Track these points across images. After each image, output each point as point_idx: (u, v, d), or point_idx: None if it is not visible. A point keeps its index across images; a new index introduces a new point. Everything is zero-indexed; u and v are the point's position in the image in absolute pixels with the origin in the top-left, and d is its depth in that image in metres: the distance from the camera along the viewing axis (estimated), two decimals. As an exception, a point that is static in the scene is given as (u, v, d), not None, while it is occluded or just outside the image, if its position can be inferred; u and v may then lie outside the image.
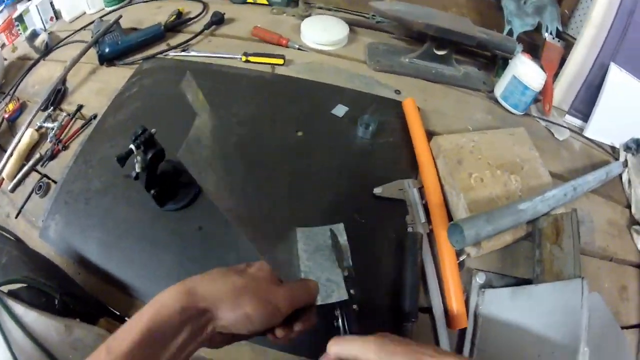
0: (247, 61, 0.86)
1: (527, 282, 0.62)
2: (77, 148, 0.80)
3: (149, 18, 0.98)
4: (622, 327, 0.65)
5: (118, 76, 0.86)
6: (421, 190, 0.68)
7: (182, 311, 0.35)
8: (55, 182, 0.78)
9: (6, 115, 0.92)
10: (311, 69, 0.85)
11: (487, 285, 0.62)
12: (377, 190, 0.66)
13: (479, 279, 0.62)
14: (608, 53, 0.85)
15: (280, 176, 0.69)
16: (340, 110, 0.76)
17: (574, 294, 0.53)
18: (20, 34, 1.11)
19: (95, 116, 0.83)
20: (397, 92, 0.80)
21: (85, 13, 1.07)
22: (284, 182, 0.69)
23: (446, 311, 0.59)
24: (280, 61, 0.84)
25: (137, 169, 0.59)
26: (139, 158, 0.58)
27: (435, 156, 0.71)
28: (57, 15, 1.08)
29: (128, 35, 0.90)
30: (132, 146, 0.57)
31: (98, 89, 0.87)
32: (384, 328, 0.41)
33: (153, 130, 0.58)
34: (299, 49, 0.90)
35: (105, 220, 0.68)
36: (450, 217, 0.66)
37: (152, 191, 0.64)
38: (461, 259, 0.63)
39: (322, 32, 0.90)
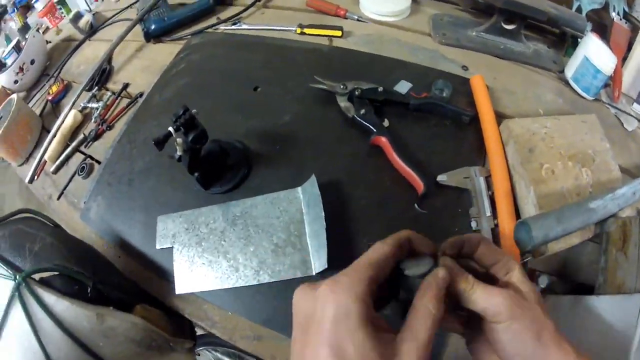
0: (302, 33, 0.74)
1: (590, 288, 0.52)
2: (122, 127, 0.71)
3: (197, -8, 0.85)
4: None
5: (165, 53, 0.76)
6: (488, 179, 0.57)
7: None
8: (99, 162, 0.71)
9: (50, 97, 0.83)
10: (371, 42, 0.72)
11: (549, 289, 0.55)
12: (442, 178, 0.55)
13: (542, 282, 0.54)
14: (677, 39, 0.72)
15: (337, 157, 0.59)
16: (403, 86, 0.64)
17: (631, 311, 0.45)
18: (64, 16, 1.02)
19: (141, 94, 0.74)
20: (465, 68, 0.67)
21: (131, -10, 0.96)
22: (341, 164, 0.58)
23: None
24: (338, 33, 0.72)
25: (179, 152, 0.51)
26: (179, 140, 0.50)
27: (505, 142, 0.59)
28: (101, -5, 0.97)
29: (175, 10, 0.79)
30: (170, 128, 0.49)
31: (144, 67, 0.77)
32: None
33: (194, 111, 0.50)
34: (358, 20, 0.78)
35: (148, 203, 0.61)
36: (517, 211, 0.55)
37: (196, 174, 0.56)
38: (525, 260, 0.53)
39: (382, 2, 0.77)
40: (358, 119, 0.59)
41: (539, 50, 0.72)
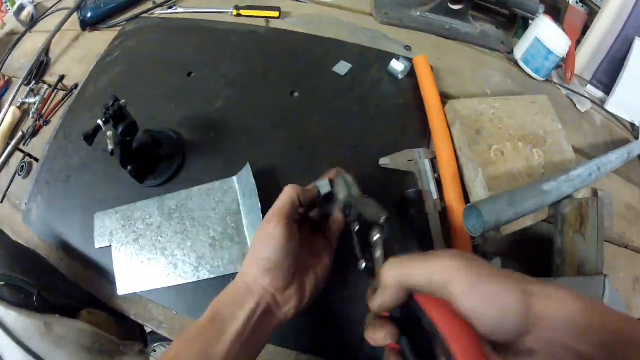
0: (238, 15, 0.68)
1: (545, 268, 0.51)
2: (58, 122, 0.64)
3: (133, -24, 0.79)
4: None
5: (101, 41, 0.70)
6: (433, 161, 0.53)
7: (233, 290, 0.37)
8: (37, 160, 0.63)
9: (-9, 95, 0.75)
10: (310, 22, 0.67)
11: None
12: (384, 161, 0.51)
13: (495, 265, 0.51)
14: (634, 26, 0.72)
15: (273, 142, 0.54)
16: (342, 67, 0.59)
17: (595, 292, 0.46)
18: (9, 10, 0.93)
19: (76, 86, 0.68)
20: (408, 48, 0.63)
21: (70, -22, 0.88)
22: (277, 150, 0.54)
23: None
24: (276, 14, 0.67)
25: (110, 145, 0.47)
26: (109, 133, 0.46)
27: (451, 123, 0.56)
28: (42, -16, 0.89)
29: (110, -4, 0.72)
30: (99, 121, 0.45)
31: (81, 57, 0.71)
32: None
33: (122, 102, 0.45)
34: (297, 0, 0.72)
35: (86, 200, 0.56)
36: (465, 194, 0.52)
37: (129, 168, 0.51)
38: (476, 243, 0.51)
39: None
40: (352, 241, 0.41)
41: (487, 31, 0.68)
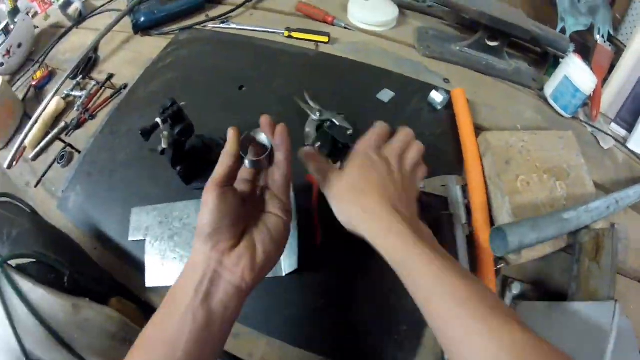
0: (289, 37, 0.76)
1: (562, 296, 0.55)
2: (105, 118, 0.72)
3: (188, -11, 0.86)
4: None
5: (152, 46, 0.77)
6: (464, 188, 0.59)
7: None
8: (79, 152, 0.71)
9: (34, 83, 0.83)
10: (357, 50, 0.74)
11: (522, 296, 0.56)
12: (420, 184, 0.56)
13: (515, 289, 0.55)
14: (658, 64, 0.76)
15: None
16: (385, 95, 0.66)
17: (606, 317, 0.48)
18: (54, 2, 1.01)
19: (125, 86, 0.74)
20: (446, 80, 0.69)
21: (122, -19, 0.96)
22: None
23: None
24: (325, 39, 0.74)
25: (164, 144, 0.52)
26: (165, 133, 0.51)
27: (483, 153, 0.62)
28: (92, -17, 0.97)
29: (165, 4, 0.79)
30: (158, 120, 0.49)
31: (131, 59, 0.77)
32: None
33: (182, 104, 0.51)
34: (345, 27, 0.80)
35: (128, 195, 0.62)
36: (491, 220, 0.57)
37: (178, 168, 0.56)
38: (499, 266, 0.55)
39: (370, 12, 0.79)
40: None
41: (520, 68, 0.75)
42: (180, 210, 0.57)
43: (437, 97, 0.64)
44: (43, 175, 0.69)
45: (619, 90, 0.78)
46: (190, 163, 0.57)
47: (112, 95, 0.73)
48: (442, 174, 0.59)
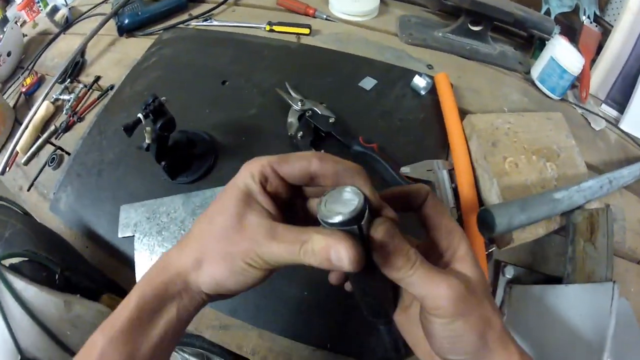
0: (271, 30, 0.78)
1: (557, 279, 0.55)
2: (93, 119, 0.74)
3: (171, -11, 0.89)
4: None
5: (137, 47, 0.80)
6: (451, 172, 0.60)
7: (163, 286, 0.29)
8: (68, 154, 0.73)
9: (23, 89, 0.86)
10: (339, 40, 0.77)
11: (516, 280, 0.57)
12: (405, 170, 0.58)
13: (508, 273, 0.56)
14: (647, 43, 0.77)
15: (301, 149, 0.61)
16: (368, 82, 0.68)
17: (604, 298, 0.48)
18: (41, 10, 1.05)
19: (112, 87, 0.77)
20: (430, 66, 0.71)
21: (106, -15, 1.00)
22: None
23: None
24: (307, 31, 0.77)
25: (147, 139, 0.53)
26: (148, 128, 0.53)
27: (468, 136, 0.63)
28: (77, -12, 1.01)
29: (148, 5, 0.83)
30: (140, 115, 0.52)
31: (117, 60, 0.80)
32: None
33: (163, 99, 0.53)
34: (326, 19, 0.82)
35: (117, 193, 0.64)
36: (481, 204, 0.59)
37: (163, 162, 0.58)
38: (490, 250, 0.56)
39: (351, 2, 0.82)
40: (293, 139, 0.61)
41: (506, 52, 0.76)
42: (167, 205, 0.59)
43: (420, 82, 0.66)
44: (35, 179, 0.71)
45: (608, 70, 0.79)
46: (175, 157, 0.59)
47: (99, 97, 0.76)
48: (428, 159, 0.60)
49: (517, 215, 0.51)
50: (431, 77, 0.67)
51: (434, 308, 0.26)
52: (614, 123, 0.78)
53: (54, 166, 0.71)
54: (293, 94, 0.64)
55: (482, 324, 0.26)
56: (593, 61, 0.80)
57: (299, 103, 0.62)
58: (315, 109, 0.62)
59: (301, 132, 0.60)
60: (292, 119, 0.62)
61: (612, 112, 0.79)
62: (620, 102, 0.78)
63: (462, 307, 0.25)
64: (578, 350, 0.46)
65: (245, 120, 0.65)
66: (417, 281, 0.25)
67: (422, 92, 0.67)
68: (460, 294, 0.25)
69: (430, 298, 0.26)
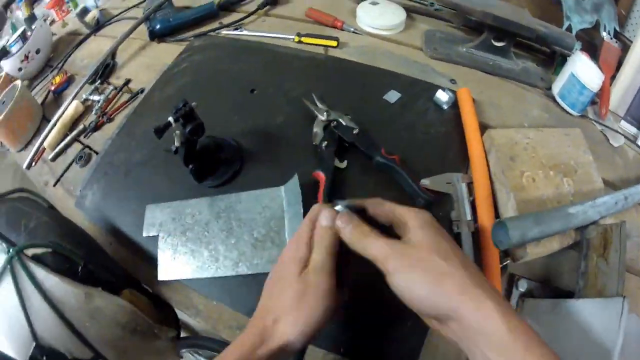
0: (300, 42, 0.82)
1: (569, 294, 0.56)
2: (122, 121, 0.78)
3: (201, -1, 0.94)
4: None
5: (168, 52, 0.84)
6: (470, 186, 0.63)
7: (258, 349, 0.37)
8: (97, 153, 0.77)
9: (52, 88, 0.91)
10: (365, 53, 0.80)
11: (528, 294, 0.58)
12: (425, 182, 0.61)
13: (521, 287, 0.58)
14: (664, 61, 0.77)
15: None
16: (392, 96, 0.71)
17: (614, 313, 0.49)
18: (71, 10, 1.10)
19: (142, 90, 0.81)
20: (453, 81, 0.74)
21: (138, -11, 1.05)
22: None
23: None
24: (334, 43, 0.80)
25: (176, 143, 0.57)
26: (177, 132, 0.56)
27: (488, 151, 0.65)
28: (110, -9, 1.06)
29: (180, 12, 0.87)
30: (170, 118, 0.55)
31: (147, 64, 0.85)
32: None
33: (194, 104, 0.56)
34: (353, 32, 0.85)
35: (143, 193, 0.67)
36: (497, 217, 0.61)
37: (191, 166, 0.62)
38: (504, 263, 0.58)
39: (378, 16, 0.85)
40: (318, 149, 0.63)
41: (528, 68, 0.79)
42: (192, 207, 0.62)
43: (442, 96, 0.69)
44: (62, 175, 0.75)
45: (627, 87, 0.80)
46: (202, 162, 0.62)
47: (129, 100, 0.80)
48: (448, 172, 0.62)
49: (531, 228, 0.52)
50: (454, 92, 0.69)
51: (382, 264, 0.36)
52: (633, 140, 0.79)
53: (81, 164, 0.74)
54: (319, 104, 0.67)
55: (430, 276, 0.34)
56: (613, 77, 0.81)
57: (325, 114, 0.65)
58: (340, 120, 0.65)
59: (326, 142, 0.63)
60: (317, 128, 0.65)
61: (631, 129, 0.80)
62: (640, 119, 0.80)
63: (395, 264, 0.35)
64: None
65: (271, 128, 0.68)
66: (366, 244, 0.37)
67: (445, 107, 0.69)
68: (394, 249, 0.36)
69: (375, 256, 0.36)
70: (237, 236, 0.59)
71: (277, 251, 0.57)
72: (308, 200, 0.56)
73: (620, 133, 0.78)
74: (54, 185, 0.75)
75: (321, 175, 0.60)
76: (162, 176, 0.67)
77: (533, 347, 0.31)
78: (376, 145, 0.63)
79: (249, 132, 0.68)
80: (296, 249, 0.40)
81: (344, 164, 0.64)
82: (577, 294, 0.56)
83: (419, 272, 0.34)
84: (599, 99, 0.78)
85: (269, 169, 0.64)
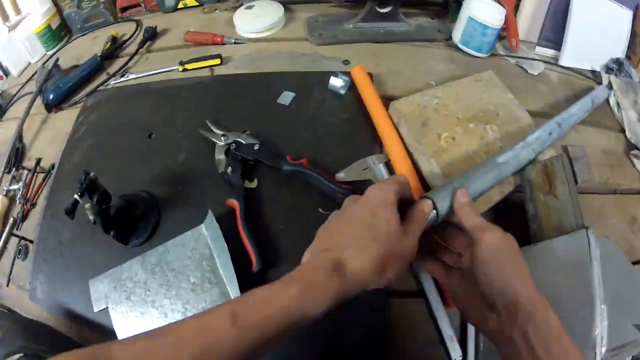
0: (184, 69, 0.80)
1: (526, 242, 0.55)
2: (43, 203, 0.77)
3: (88, 51, 0.93)
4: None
5: (68, 119, 0.83)
6: (388, 164, 0.62)
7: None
8: (32, 242, 0.76)
9: (-27, 190, 0.89)
10: (251, 61, 0.79)
11: None
12: (340, 175, 0.60)
13: None
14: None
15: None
16: (286, 97, 0.70)
17: (581, 247, 0.49)
18: (-29, 102, 1.09)
19: (53, 166, 0.80)
20: (346, 62, 0.73)
21: (30, 63, 1.03)
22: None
23: (440, 291, 0.53)
24: (217, 61, 0.79)
25: (90, 217, 0.57)
26: (87, 206, 0.56)
27: (397, 124, 0.64)
28: (5, 72, 1.04)
29: (68, 75, 0.86)
30: (76, 196, 0.55)
31: (51, 138, 0.84)
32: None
33: (92, 175, 0.55)
34: (235, 43, 0.84)
35: (83, 270, 0.67)
36: (426, 187, 0.60)
37: (111, 232, 0.61)
38: None
39: (255, 19, 0.83)
40: (224, 176, 0.63)
41: (422, 24, 0.77)
42: (127, 271, 0.62)
43: (336, 82, 0.68)
44: (10, 274, 0.76)
45: (534, 11, 0.79)
46: (120, 224, 0.62)
47: (44, 179, 0.79)
48: (362, 158, 0.61)
49: (478, 182, 0.51)
50: (347, 74, 0.68)
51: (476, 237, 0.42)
52: (554, 62, 0.78)
53: (22, 257, 0.74)
54: (215, 130, 0.66)
55: (514, 261, 0.41)
56: (517, 6, 0.80)
57: (222, 138, 0.64)
58: (239, 139, 0.64)
59: (230, 167, 0.62)
60: (219, 155, 0.64)
61: (549, 52, 0.79)
62: (555, 39, 0.79)
63: (490, 238, 0.41)
64: (569, 307, 0.46)
65: (176, 168, 0.67)
66: (467, 213, 0.44)
67: (342, 92, 0.68)
68: (486, 227, 0.42)
69: (473, 229, 0.42)
70: (176, 286, 0.59)
71: (217, 289, 0.57)
72: (230, 232, 0.56)
73: (537, 60, 0.77)
74: (7, 285, 0.76)
75: (234, 203, 0.60)
76: (93, 248, 0.66)
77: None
78: (280, 155, 0.62)
79: (157, 179, 0.67)
80: (385, 195, 0.42)
81: (255, 183, 0.63)
82: (533, 238, 0.55)
83: (509, 254, 0.40)
84: (506, 32, 0.77)
85: (185, 210, 0.64)
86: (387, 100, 0.66)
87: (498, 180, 0.53)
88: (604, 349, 0.46)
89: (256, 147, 0.63)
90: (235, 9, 0.87)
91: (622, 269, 0.53)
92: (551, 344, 0.36)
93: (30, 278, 0.71)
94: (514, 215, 0.59)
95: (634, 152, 0.71)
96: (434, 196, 0.46)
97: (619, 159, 0.70)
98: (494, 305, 0.40)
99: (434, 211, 0.45)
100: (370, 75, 0.68)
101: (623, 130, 0.73)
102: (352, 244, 0.39)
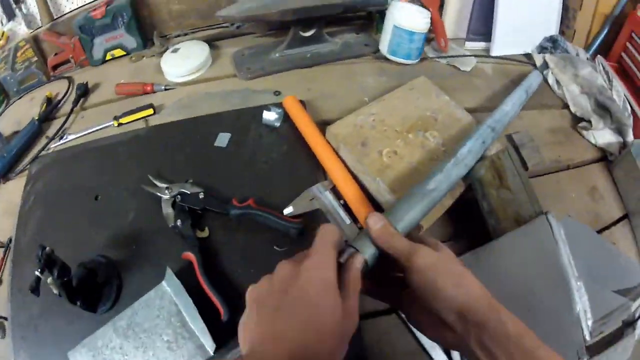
0: (120, 124, 0.80)
1: (487, 238, 0.56)
2: (8, 278, 0.78)
3: (26, 114, 0.92)
4: (609, 225, 0.63)
5: (17, 190, 0.83)
6: (335, 189, 0.63)
7: None
8: (6, 319, 0.77)
9: None
10: (184, 106, 0.79)
11: None
12: (287, 211, 0.61)
13: None
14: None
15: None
16: (223, 139, 0.70)
17: (544, 233, 0.49)
18: None
19: (10, 240, 0.80)
20: (277, 93, 0.74)
21: (-30, 133, 1.02)
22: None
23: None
24: (150, 111, 0.79)
25: (55, 291, 0.57)
26: (49, 280, 0.56)
27: (336, 148, 0.65)
28: (-52, 148, 1.03)
29: (10, 143, 0.86)
30: (37, 273, 0.55)
31: (4, 211, 0.84)
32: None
33: (48, 249, 0.56)
34: (165, 89, 0.84)
35: (60, 343, 0.67)
36: (376, 206, 0.61)
37: (78, 303, 0.62)
38: None
39: (182, 62, 0.83)
40: (175, 229, 0.63)
41: (348, 41, 0.78)
42: (101, 338, 0.62)
43: (270, 115, 0.68)
44: None
45: (459, 8, 0.81)
46: (85, 294, 0.62)
47: (4, 255, 0.80)
48: (306, 189, 0.62)
49: (409, 213, 0.47)
50: (280, 105, 0.69)
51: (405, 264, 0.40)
52: (485, 54, 0.79)
53: (2, 335, 0.76)
54: (158, 183, 0.67)
55: (452, 275, 0.40)
56: (442, 5, 0.81)
57: (166, 191, 0.65)
58: (183, 190, 0.65)
59: (179, 219, 0.63)
60: (167, 209, 0.65)
61: (479, 45, 0.81)
62: (484, 31, 0.80)
63: (419, 262, 0.40)
64: (544, 293, 0.48)
65: (127, 228, 0.68)
66: (390, 244, 0.41)
67: (277, 124, 0.69)
68: (414, 250, 0.40)
69: (399, 257, 0.40)
70: (151, 347, 0.60)
71: (191, 343, 0.58)
72: (191, 284, 0.57)
73: (468, 55, 0.78)
74: (-7, 367, 0.77)
75: (190, 255, 0.61)
76: (64, 319, 0.66)
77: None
78: (225, 199, 0.63)
79: (111, 242, 0.68)
80: (323, 274, 0.38)
81: (206, 232, 0.64)
82: (493, 234, 0.56)
83: (442, 270, 0.39)
84: (434, 33, 0.78)
85: (144, 269, 0.64)
86: (323, 125, 0.66)
87: (431, 207, 0.50)
88: (590, 322, 0.47)
89: (201, 196, 0.64)
90: (161, 54, 0.86)
91: (590, 241, 0.55)
92: (511, 348, 0.35)
93: (14, 357, 0.71)
94: (468, 211, 0.60)
95: (581, 124, 0.72)
96: (360, 245, 0.43)
97: (567, 134, 0.72)
98: (445, 321, 0.39)
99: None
100: (303, 102, 0.69)
101: (566, 106, 0.75)
102: (297, 347, 0.35)
